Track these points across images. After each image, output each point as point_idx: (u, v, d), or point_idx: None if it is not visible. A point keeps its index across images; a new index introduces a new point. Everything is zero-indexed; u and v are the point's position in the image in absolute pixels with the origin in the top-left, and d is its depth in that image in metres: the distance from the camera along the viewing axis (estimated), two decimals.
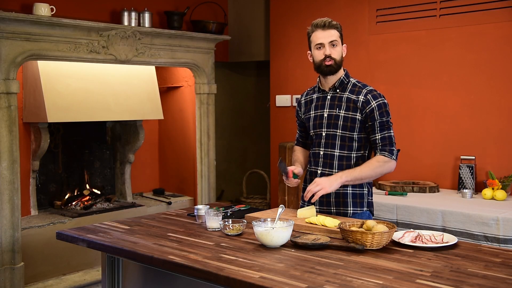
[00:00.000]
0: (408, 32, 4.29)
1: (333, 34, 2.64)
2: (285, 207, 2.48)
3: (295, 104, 4.97)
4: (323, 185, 2.52)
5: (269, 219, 2.32)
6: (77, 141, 4.76)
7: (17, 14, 3.72)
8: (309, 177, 2.78)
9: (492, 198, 3.69)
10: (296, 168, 2.73)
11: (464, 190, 3.77)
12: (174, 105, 5.34)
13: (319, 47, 2.66)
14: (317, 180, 2.56)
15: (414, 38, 4.27)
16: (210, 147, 5.12)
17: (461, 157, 4.00)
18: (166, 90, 5.39)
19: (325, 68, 2.66)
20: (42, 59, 4.03)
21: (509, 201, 3.63)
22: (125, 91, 4.64)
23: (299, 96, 4.93)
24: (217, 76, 5.19)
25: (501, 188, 3.69)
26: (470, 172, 3.89)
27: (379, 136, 2.61)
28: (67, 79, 4.30)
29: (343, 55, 2.69)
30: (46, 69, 4.17)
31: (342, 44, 2.69)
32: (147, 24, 4.54)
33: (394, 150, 2.62)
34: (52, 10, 3.99)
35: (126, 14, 4.45)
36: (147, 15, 4.54)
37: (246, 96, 5.84)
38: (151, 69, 4.89)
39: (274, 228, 2.21)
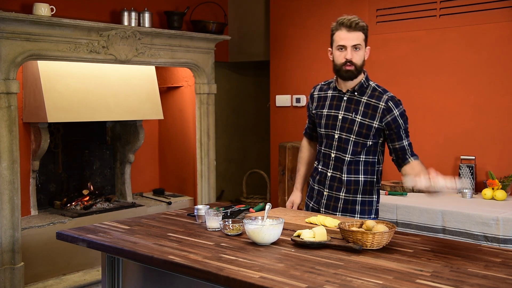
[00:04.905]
0: (408, 32, 4.29)
1: (358, 37, 2.51)
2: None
3: (295, 104, 4.97)
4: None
5: (259, 217, 2.32)
6: (77, 141, 4.76)
7: (17, 14, 3.72)
8: (317, 176, 2.74)
9: (492, 198, 3.69)
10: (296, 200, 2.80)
11: (464, 190, 3.77)
12: (174, 105, 5.34)
13: (341, 49, 2.53)
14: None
15: (414, 38, 4.26)
16: (210, 147, 5.12)
17: (461, 157, 4.00)
18: (166, 90, 5.39)
19: (344, 73, 2.55)
20: (42, 59, 4.03)
21: (509, 201, 3.62)
22: (125, 91, 4.64)
23: (299, 96, 4.95)
24: (217, 76, 5.19)
25: (501, 188, 3.69)
26: (470, 172, 3.89)
27: (407, 143, 2.58)
28: (67, 79, 4.30)
29: (365, 58, 2.58)
30: (46, 69, 4.17)
31: (366, 47, 2.57)
32: (147, 24, 4.54)
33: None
34: (52, 10, 3.99)
35: (126, 14, 4.45)
36: (147, 15, 4.54)
37: (246, 96, 5.84)
38: (151, 69, 4.89)
39: (264, 225, 2.21)
